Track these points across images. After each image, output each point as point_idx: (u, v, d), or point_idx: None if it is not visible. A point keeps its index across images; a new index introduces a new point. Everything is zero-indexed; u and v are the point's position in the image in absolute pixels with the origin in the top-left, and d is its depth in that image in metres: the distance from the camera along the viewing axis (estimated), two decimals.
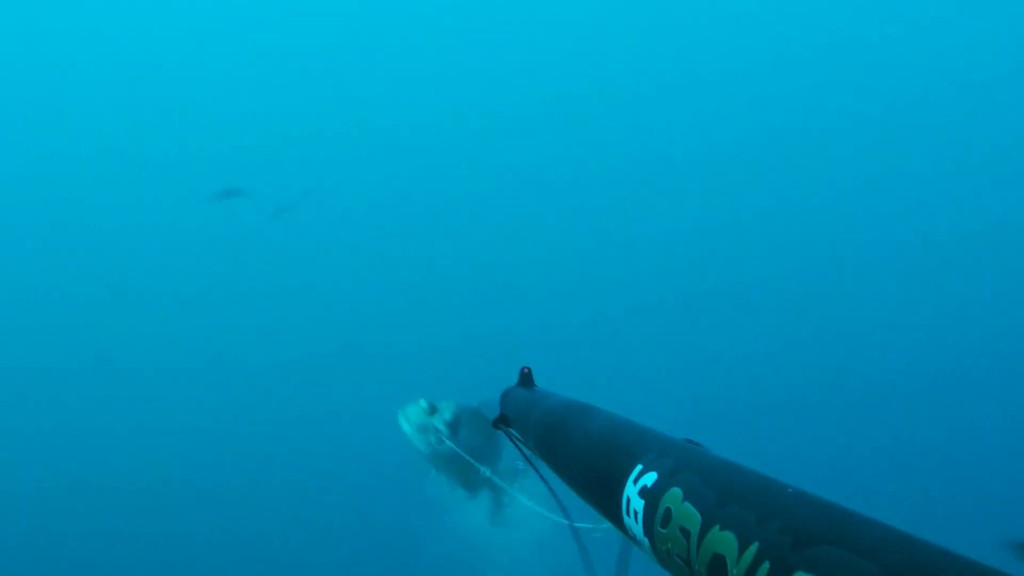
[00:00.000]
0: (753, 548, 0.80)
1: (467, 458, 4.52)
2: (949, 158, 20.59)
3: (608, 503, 1.28)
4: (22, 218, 19.32)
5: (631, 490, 1.17)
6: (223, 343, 19.27)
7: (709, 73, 21.13)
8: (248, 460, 17.16)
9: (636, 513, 1.13)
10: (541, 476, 2.14)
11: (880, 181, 20.54)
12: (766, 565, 0.77)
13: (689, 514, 0.96)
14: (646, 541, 1.10)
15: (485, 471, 4.56)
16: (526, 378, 2.25)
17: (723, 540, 0.86)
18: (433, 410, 4.82)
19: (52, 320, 18.93)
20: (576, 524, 2.31)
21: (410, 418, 4.85)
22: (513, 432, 2.18)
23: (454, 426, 4.78)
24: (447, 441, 4.70)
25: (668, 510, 1.02)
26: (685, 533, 0.95)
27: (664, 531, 1.01)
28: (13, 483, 15.44)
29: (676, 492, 1.02)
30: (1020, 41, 20.12)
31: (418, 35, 21.02)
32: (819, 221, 20.49)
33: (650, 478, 1.12)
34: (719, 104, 21.10)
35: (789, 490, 0.88)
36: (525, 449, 2.12)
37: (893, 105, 20.68)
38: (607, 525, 1.43)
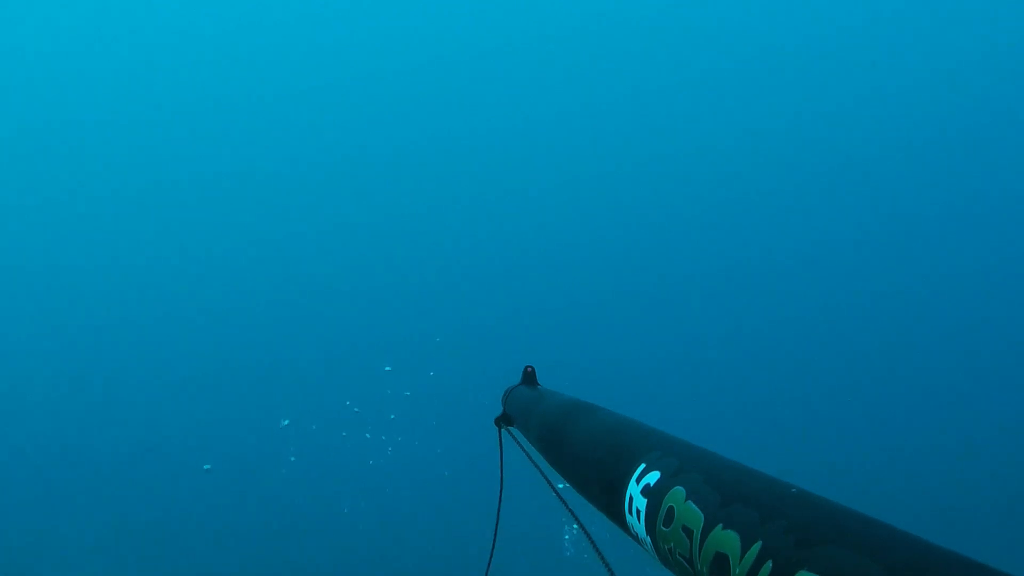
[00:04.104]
0: (756, 547, 0.80)
1: None
2: (958, 162, 20.56)
3: (610, 502, 1.28)
4: None
5: (634, 489, 1.17)
6: (228, 343, 19.27)
7: (709, 74, 21.11)
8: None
9: (639, 512, 1.13)
10: (545, 477, 2.12)
11: (883, 183, 20.52)
12: (769, 564, 0.77)
13: (692, 513, 0.96)
14: (648, 540, 1.10)
15: None
16: (529, 377, 2.25)
17: (726, 539, 0.86)
18: None
19: None
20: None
21: None
22: (515, 431, 2.18)
23: None
24: None
25: (671, 509, 1.02)
26: (688, 532, 0.95)
27: (667, 530, 1.01)
28: None
29: (679, 491, 1.02)
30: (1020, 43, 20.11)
31: (424, 36, 21.03)
32: (818, 219, 20.47)
33: (653, 477, 1.13)
34: (722, 109, 21.07)
35: (793, 490, 0.88)
36: (526, 448, 2.11)
37: (893, 107, 20.65)
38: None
